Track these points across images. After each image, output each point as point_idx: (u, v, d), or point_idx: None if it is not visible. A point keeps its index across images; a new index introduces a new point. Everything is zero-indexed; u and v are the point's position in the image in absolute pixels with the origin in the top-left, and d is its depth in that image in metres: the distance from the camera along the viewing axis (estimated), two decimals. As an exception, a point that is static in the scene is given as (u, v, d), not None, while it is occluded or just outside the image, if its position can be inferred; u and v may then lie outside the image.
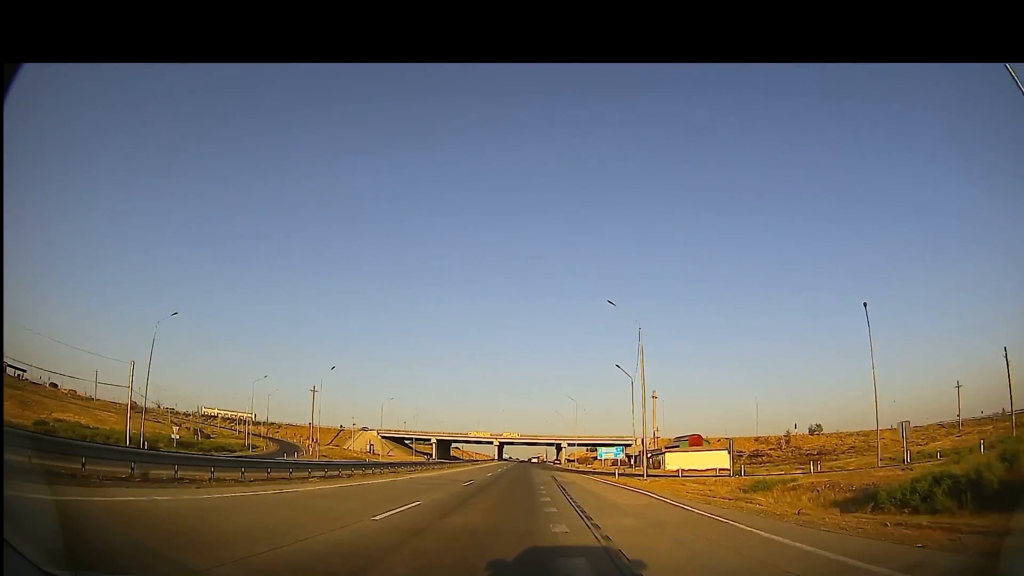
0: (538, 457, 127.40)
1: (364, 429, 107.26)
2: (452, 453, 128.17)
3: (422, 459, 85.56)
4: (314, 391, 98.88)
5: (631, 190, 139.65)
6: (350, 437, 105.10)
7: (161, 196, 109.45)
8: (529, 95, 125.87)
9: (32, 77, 2.81)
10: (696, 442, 71.59)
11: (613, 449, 70.39)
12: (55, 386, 61.86)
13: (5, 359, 39.37)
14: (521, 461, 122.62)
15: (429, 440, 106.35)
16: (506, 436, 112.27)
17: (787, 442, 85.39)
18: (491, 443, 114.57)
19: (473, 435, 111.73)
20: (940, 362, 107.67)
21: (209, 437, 63.90)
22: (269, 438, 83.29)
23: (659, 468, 58.97)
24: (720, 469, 54.25)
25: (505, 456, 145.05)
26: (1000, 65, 9.64)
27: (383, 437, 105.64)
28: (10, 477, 3.56)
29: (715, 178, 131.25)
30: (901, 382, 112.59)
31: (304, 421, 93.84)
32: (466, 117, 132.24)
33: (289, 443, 79.00)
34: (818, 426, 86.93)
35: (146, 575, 5.04)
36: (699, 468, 54.68)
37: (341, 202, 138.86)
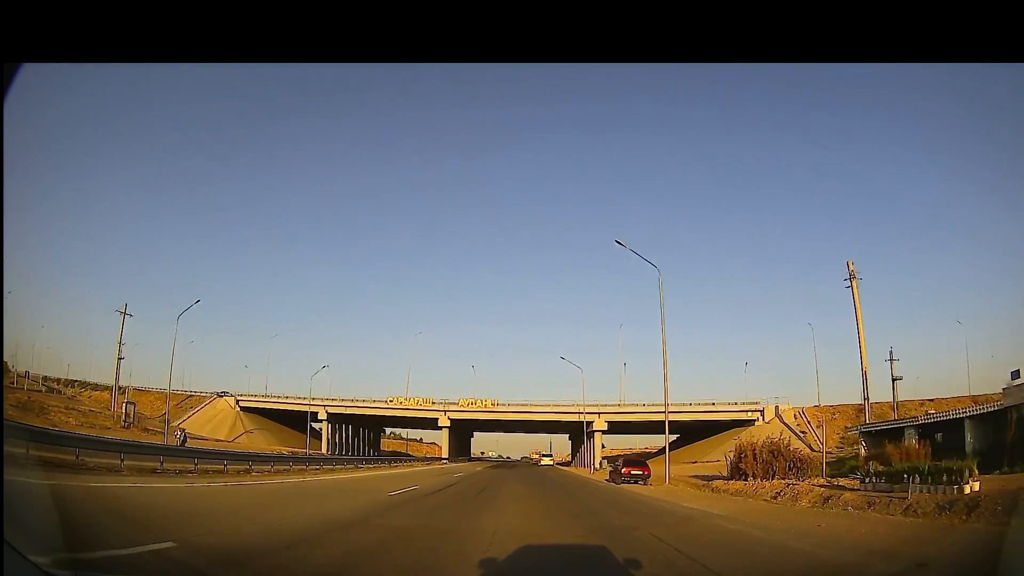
0: (549, 456, 69.92)
1: (222, 395, 64.02)
2: (383, 444, 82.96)
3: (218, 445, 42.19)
4: (123, 311, 55.64)
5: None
6: (200, 404, 62.35)
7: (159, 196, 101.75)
8: (524, 94, 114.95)
9: (32, 77, 2.74)
10: None
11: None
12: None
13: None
14: (508, 462, 74.77)
15: (317, 415, 58.02)
16: (467, 407, 59.50)
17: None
18: (435, 421, 61.98)
19: (398, 404, 61.02)
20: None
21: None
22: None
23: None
24: None
25: (479, 452, 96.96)
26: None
27: (244, 409, 61.91)
28: None
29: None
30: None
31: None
32: (463, 116, 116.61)
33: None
34: (1017, 372, 44.10)
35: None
36: None
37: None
